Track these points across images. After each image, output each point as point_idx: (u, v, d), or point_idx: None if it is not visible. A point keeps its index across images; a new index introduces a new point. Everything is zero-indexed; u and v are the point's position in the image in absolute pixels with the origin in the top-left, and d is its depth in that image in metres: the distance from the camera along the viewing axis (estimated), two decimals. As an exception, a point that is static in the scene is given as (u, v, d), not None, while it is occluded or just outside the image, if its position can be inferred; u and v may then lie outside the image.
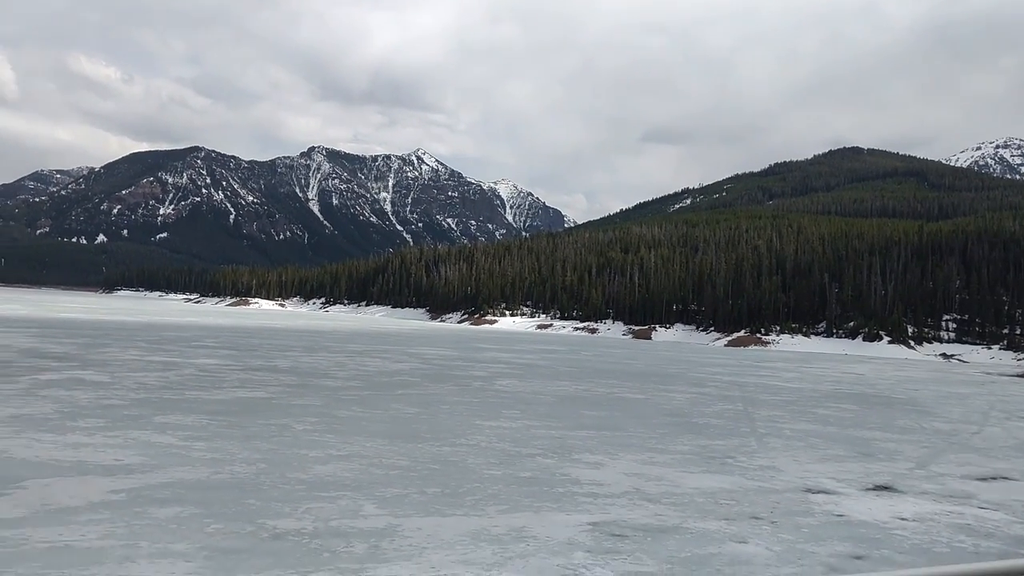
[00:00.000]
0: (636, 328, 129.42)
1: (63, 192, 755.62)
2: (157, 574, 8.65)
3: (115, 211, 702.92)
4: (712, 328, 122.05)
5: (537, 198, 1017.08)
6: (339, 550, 9.81)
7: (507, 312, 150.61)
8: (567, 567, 9.75)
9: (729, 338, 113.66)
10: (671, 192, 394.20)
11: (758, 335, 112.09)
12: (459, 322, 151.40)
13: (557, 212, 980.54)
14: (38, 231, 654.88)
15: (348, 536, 10.42)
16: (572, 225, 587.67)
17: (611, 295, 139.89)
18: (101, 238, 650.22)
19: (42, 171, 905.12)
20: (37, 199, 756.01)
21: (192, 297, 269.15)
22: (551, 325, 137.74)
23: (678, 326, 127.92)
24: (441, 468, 15.14)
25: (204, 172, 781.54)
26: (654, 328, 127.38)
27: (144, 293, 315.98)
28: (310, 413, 21.42)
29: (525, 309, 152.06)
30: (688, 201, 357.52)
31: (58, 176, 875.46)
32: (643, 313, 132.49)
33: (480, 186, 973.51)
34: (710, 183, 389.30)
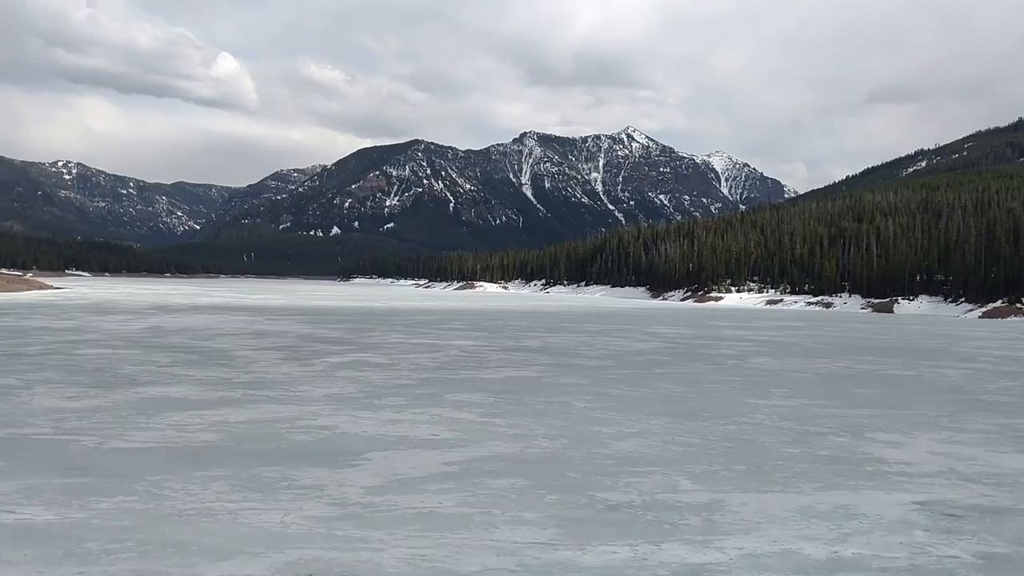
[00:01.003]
0: (875, 301, 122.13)
1: (300, 189, 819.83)
2: (523, 539, 9.37)
3: (346, 205, 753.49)
4: (963, 299, 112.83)
5: (754, 169, 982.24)
6: (677, 522, 10.17)
7: (732, 288, 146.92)
8: (911, 544, 9.58)
9: (983, 309, 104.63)
10: (903, 155, 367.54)
11: (1018, 305, 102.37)
12: (682, 300, 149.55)
13: (776, 182, 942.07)
14: (280, 227, 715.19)
15: (679, 509, 10.77)
16: (793, 195, 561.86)
17: (845, 267, 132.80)
18: (335, 230, 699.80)
19: (281, 171, 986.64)
20: (278, 197, 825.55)
21: (421, 283, 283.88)
22: (781, 300, 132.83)
23: (923, 298, 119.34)
24: (736, 446, 15.20)
25: (424, 164, 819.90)
26: (896, 301, 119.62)
27: (377, 280, 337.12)
28: (582, 391, 22.11)
29: (752, 284, 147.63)
30: (923, 163, 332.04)
31: (295, 175, 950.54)
32: (882, 285, 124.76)
33: (693, 160, 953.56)
34: (948, 143, 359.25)
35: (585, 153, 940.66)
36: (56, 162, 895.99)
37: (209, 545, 8.95)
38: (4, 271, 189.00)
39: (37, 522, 9.68)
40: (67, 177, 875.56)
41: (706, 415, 18.71)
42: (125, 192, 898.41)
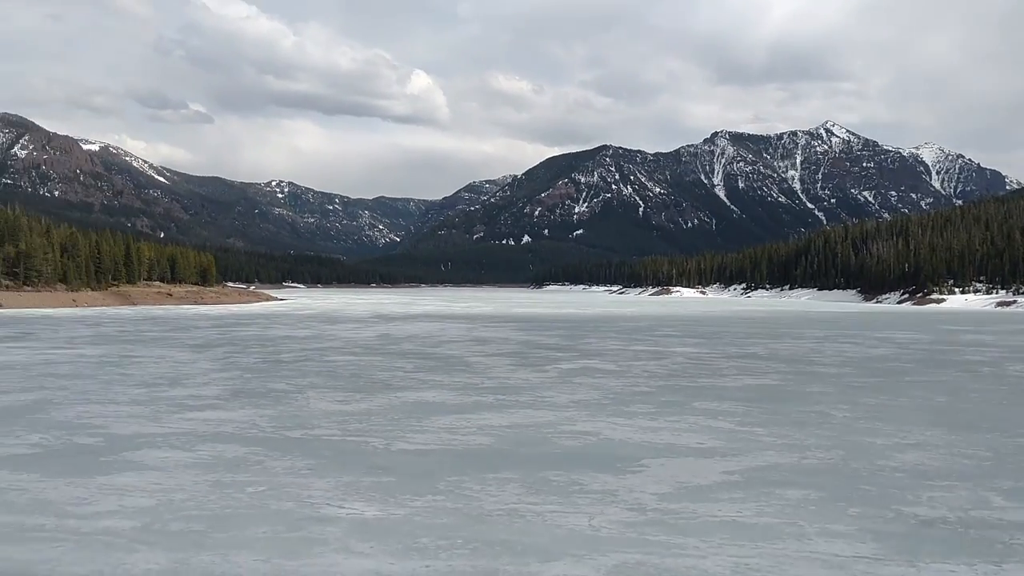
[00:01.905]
0: None
1: (492, 200, 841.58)
2: (843, 552, 9.08)
3: (536, 213, 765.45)
4: None
5: (969, 160, 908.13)
6: (1009, 542, 9.52)
7: (956, 289, 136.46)
8: None
9: None
10: None
11: None
12: (898, 303, 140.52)
13: (995, 173, 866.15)
14: (474, 236, 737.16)
15: (1004, 528, 10.08)
16: (1017, 186, 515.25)
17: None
18: (526, 238, 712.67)
19: (474, 182, 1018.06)
20: (472, 208, 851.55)
21: (614, 288, 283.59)
22: (1014, 302, 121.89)
23: None
24: (1035, 460, 14.06)
25: (612, 169, 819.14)
26: None
27: (569, 287, 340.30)
28: (834, 400, 21.24)
29: (978, 285, 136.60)
30: None
31: (487, 186, 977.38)
32: None
33: (899, 153, 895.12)
34: None
35: (781, 151, 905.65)
36: (270, 182, 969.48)
37: (532, 545, 9.30)
38: (231, 284, 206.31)
39: (367, 517, 10.43)
40: (280, 196, 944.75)
41: (984, 426, 17.44)
42: (331, 208, 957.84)
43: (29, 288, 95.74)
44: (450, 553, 9.08)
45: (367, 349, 36.29)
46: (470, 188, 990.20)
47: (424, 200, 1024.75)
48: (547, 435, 16.03)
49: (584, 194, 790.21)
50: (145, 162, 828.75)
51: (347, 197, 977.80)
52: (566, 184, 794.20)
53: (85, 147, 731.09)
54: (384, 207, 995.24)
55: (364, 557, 8.94)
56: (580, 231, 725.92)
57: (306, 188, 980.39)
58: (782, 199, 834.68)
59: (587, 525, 10.11)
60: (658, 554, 9.00)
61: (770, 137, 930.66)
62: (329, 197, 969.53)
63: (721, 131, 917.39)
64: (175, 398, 21.45)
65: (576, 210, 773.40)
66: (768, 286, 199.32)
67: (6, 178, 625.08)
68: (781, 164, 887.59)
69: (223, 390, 22.94)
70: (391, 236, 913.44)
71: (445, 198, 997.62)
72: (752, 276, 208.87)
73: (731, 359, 33.27)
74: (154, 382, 24.82)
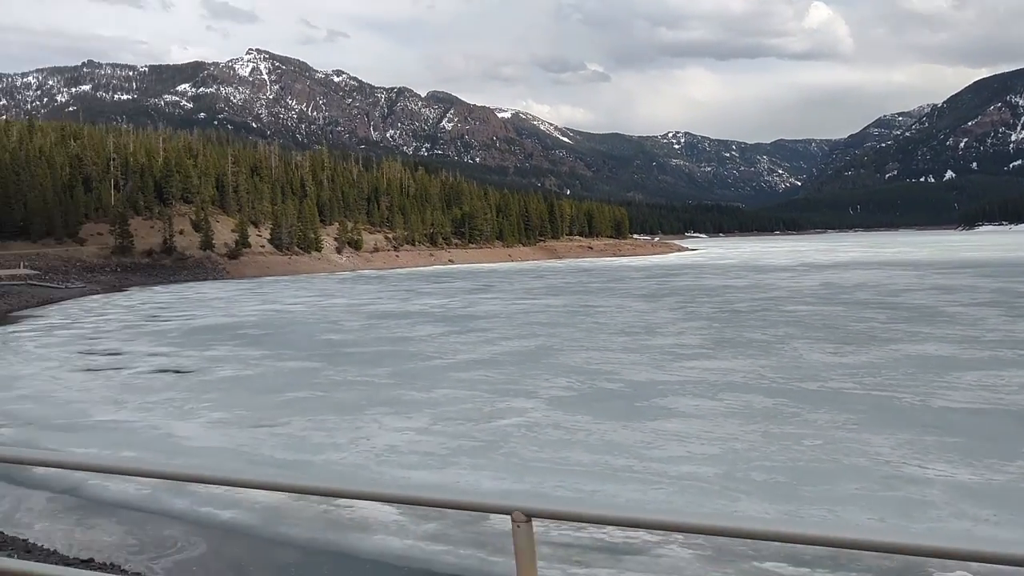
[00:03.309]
0: None
1: (907, 134, 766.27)
2: None
3: (961, 145, 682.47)
4: None
5: None
6: None
7: None
8: None
9: None
10: None
11: None
12: None
13: None
14: (886, 175, 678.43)
15: None
16: None
17: None
18: (949, 174, 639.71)
19: (884, 116, 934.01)
20: (882, 145, 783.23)
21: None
22: None
23: None
24: None
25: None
26: None
27: (1008, 226, 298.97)
28: None
29: None
30: None
31: (900, 119, 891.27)
32: None
33: None
34: None
35: None
36: (666, 133, 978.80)
37: None
38: (636, 236, 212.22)
39: (962, 480, 9.66)
40: (676, 147, 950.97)
41: None
42: (728, 155, 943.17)
43: (473, 245, 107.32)
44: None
45: (820, 298, 34.88)
46: (879, 123, 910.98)
47: (827, 140, 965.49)
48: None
49: (1023, 119, 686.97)
50: (551, 124, 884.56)
51: (744, 143, 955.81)
52: (999, 109, 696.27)
53: (500, 115, 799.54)
54: (783, 150, 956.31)
55: (994, 525, 8.23)
56: (1019, 162, 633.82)
57: (702, 137, 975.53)
58: None
59: None
60: None
61: None
62: (726, 144, 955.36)
63: None
64: (662, 346, 22.22)
65: (1012, 138, 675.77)
66: None
67: (437, 149, 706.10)
68: None
69: (703, 339, 23.32)
70: (791, 180, 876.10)
71: (851, 136, 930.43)
72: None
73: None
74: (630, 331, 26.03)
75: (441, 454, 12.33)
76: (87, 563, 8.32)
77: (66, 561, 8.35)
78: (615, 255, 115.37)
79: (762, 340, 22.47)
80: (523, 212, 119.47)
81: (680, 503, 9.58)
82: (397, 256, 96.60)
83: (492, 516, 9.85)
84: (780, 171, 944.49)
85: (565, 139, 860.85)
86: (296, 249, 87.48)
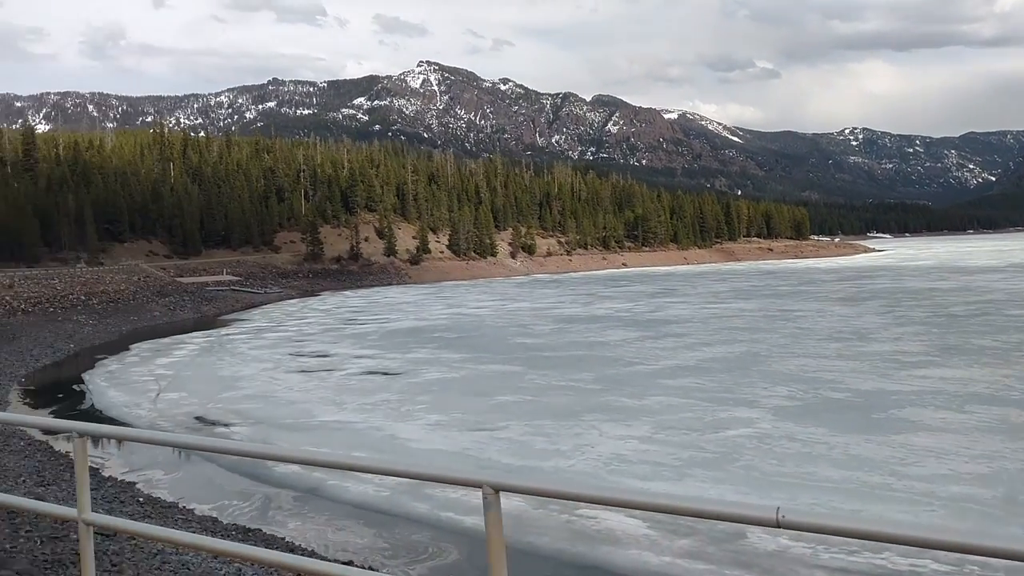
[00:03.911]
0: None
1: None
2: None
3: None
4: None
5: None
6: None
7: None
8: None
9: None
10: None
11: None
12: None
13: None
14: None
15: None
16: None
17: None
18: None
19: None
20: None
21: None
22: None
23: None
24: None
25: None
26: None
27: None
28: None
29: None
30: None
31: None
32: None
33: None
34: None
35: None
36: (842, 130, 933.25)
37: None
38: (815, 237, 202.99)
39: None
40: (853, 143, 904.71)
41: None
42: (911, 151, 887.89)
43: (646, 248, 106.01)
44: None
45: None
46: None
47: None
48: None
49: None
50: (719, 124, 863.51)
51: (929, 137, 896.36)
52: None
53: (666, 116, 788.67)
54: (974, 143, 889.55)
55: None
56: None
57: (881, 132, 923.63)
58: None
59: None
60: None
61: None
62: (908, 139, 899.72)
63: None
64: (881, 353, 20.78)
65: None
66: None
67: (602, 152, 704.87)
68: None
69: (926, 345, 21.67)
70: (985, 175, 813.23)
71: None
72: None
73: None
74: (840, 336, 24.56)
75: (673, 465, 11.83)
76: (347, 565, 8.41)
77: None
78: (797, 257, 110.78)
79: (995, 347, 20.59)
80: (698, 214, 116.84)
81: (965, 530, 8.63)
82: (570, 260, 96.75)
83: (749, 534, 9.31)
84: (971, 166, 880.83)
85: (735, 138, 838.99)
86: (472, 254, 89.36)
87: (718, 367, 20.04)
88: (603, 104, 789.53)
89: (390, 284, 74.07)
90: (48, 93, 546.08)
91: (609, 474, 11.58)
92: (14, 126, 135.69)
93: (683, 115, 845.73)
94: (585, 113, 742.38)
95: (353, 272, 77.95)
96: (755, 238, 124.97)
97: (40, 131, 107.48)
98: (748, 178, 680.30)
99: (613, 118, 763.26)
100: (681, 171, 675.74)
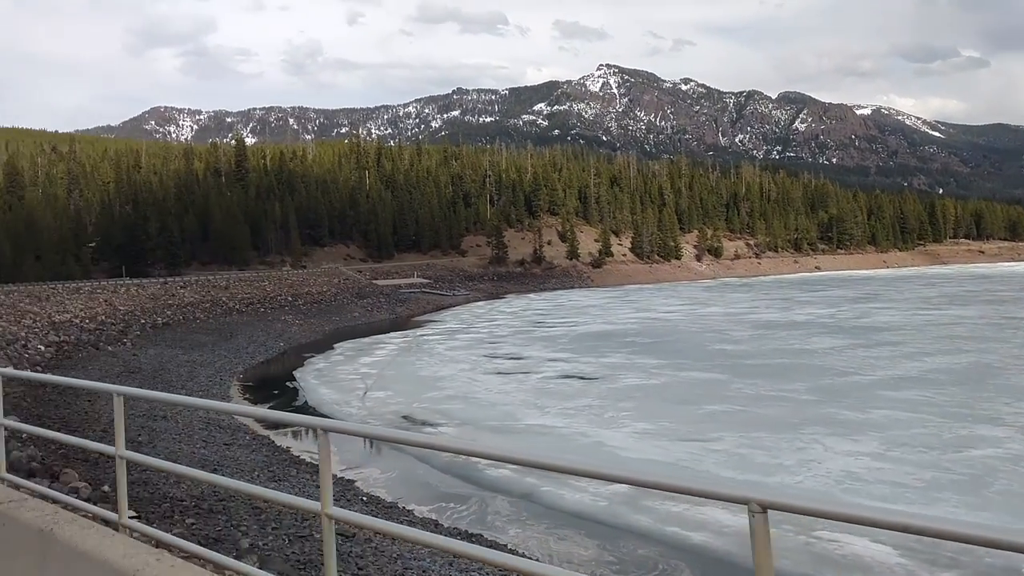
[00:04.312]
0: None
1: None
2: None
3: None
4: None
5: None
6: None
7: None
8: None
9: None
10: None
11: None
12: None
13: None
14: None
15: None
16: None
17: None
18: None
19: None
20: None
21: None
22: None
23: None
24: None
25: None
26: None
27: None
28: None
29: None
30: None
31: None
32: None
33: None
34: None
35: None
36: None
37: None
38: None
39: None
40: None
41: None
42: None
43: (841, 251, 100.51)
44: None
45: None
46: None
47: None
48: None
49: None
50: (917, 119, 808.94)
51: None
52: None
53: (858, 112, 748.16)
54: None
55: None
56: None
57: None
58: None
59: None
60: None
61: None
62: None
63: None
64: None
65: None
66: None
67: (789, 151, 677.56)
68: None
69: None
70: None
71: None
72: None
73: None
74: (1089, 349, 21.97)
75: (916, 486, 10.76)
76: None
77: None
78: (1013, 260, 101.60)
79: None
80: (898, 214, 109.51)
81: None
82: (759, 263, 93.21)
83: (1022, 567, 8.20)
84: None
85: (935, 133, 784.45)
86: (656, 257, 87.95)
87: (945, 379, 18.37)
88: (789, 101, 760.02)
89: (572, 287, 74.09)
90: (254, 108, 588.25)
91: (843, 494, 10.67)
92: (226, 140, 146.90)
93: (877, 110, 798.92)
94: (770, 111, 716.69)
95: (536, 275, 78.63)
96: (963, 240, 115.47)
97: (248, 144, 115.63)
98: (951, 175, 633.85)
99: (800, 115, 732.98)
100: (875, 169, 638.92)
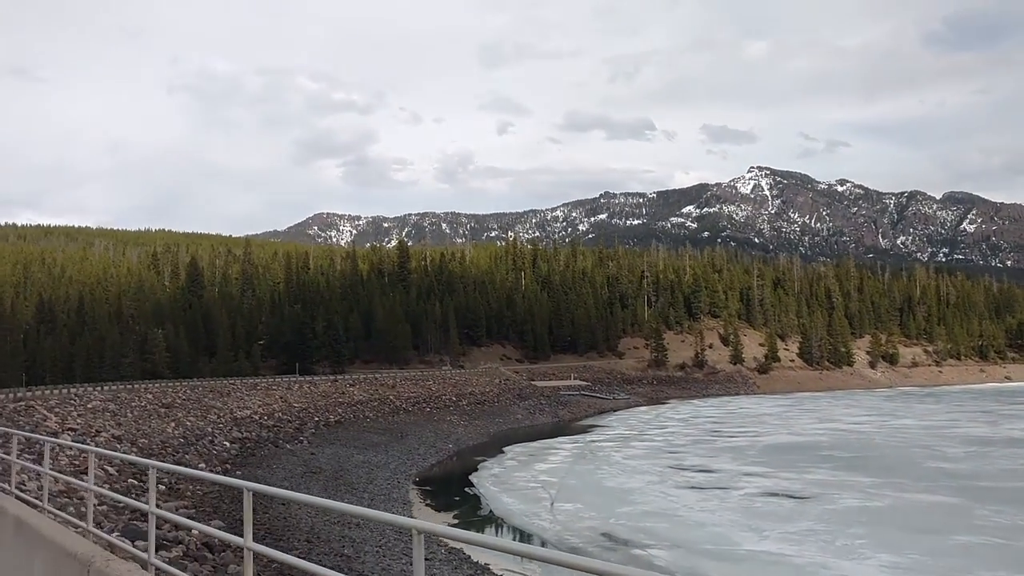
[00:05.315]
0: None
1: None
2: None
3: None
4: None
5: None
6: None
7: None
8: None
9: None
10: None
11: None
12: None
13: None
14: None
15: None
16: None
17: None
18: None
19: None
20: None
21: None
22: None
23: None
24: None
25: None
26: None
27: None
28: None
29: None
30: None
31: None
32: None
33: None
34: None
35: None
36: None
37: None
38: None
39: None
40: None
41: None
42: None
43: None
44: None
45: None
46: None
47: None
48: None
49: None
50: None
51: None
52: None
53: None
54: None
55: None
56: None
57: None
58: None
59: None
60: None
61: None
62: None
63: None
64: None
65: None
66: None
67: (957, 253, 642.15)
68: None
69: None
70: None
71: None
72: None
73: None
74: None
75: None
76: None
77: None
78: None
79: None
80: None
81: None
82: (940, 371, 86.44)
83: None
84: None
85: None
86: (826, 363, 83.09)
87: None
88: (956, 201, 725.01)
89: (738, 393, 70.68)
90: (409, 214, 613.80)
91: None
92: (385, 242, 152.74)
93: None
94: (935, 212, 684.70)
95: (698, 380, 75.65)
96: None
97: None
98: None
99: (969, 216, 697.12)
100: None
